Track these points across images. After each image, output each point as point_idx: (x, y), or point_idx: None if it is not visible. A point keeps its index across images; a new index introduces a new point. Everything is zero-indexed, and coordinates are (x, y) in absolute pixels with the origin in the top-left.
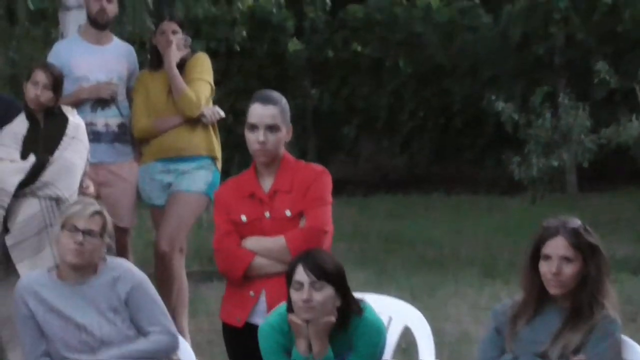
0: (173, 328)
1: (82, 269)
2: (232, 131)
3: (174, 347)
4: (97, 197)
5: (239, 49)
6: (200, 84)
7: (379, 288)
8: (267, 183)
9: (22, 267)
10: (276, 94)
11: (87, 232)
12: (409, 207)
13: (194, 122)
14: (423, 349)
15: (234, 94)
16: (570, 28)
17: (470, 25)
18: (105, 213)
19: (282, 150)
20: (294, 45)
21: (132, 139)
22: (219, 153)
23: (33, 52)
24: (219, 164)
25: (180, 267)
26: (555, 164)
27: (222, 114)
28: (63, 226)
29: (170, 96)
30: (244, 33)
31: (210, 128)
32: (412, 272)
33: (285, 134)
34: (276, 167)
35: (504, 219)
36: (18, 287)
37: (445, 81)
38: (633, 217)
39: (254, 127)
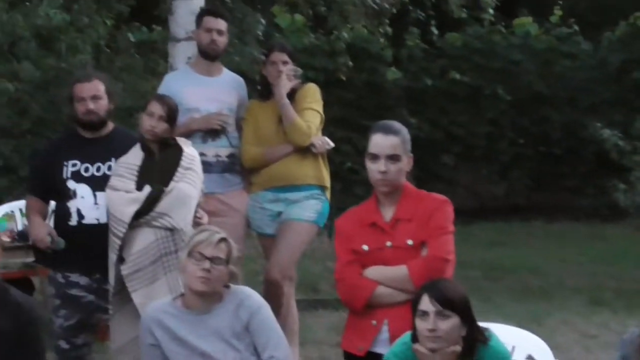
0: (291, 355)
1: (208, 297)
2: (331, 160)
3: None
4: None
5: (343, 78)
6: (311, 114)
7: (485, 317)
8: (388, 212)
9: (137, 297)
10: (397, 124)
11: (213, 260)
12: (509, 236)
13: (304, 151)
14: None
15: (332, 123)
16: None
17: (568, 53)
18: (231, 240)
19: (403, 180)
20: (392, 74)
21: (241, 168)
22: (328, 182)
23: (140, 84)
24: (329, 194)
25: (290, 295)
26: None
27: (332, 144)
28: (190, 254)
29: (280, 126)
30: (350, 62)
31: (320, 157)
32: (518, 301)
33: (406, 163)
34: (397, 197)
35: (607, 247)
36: (144, 316)
37: (544, 109)
38: None
39: (375, 157)
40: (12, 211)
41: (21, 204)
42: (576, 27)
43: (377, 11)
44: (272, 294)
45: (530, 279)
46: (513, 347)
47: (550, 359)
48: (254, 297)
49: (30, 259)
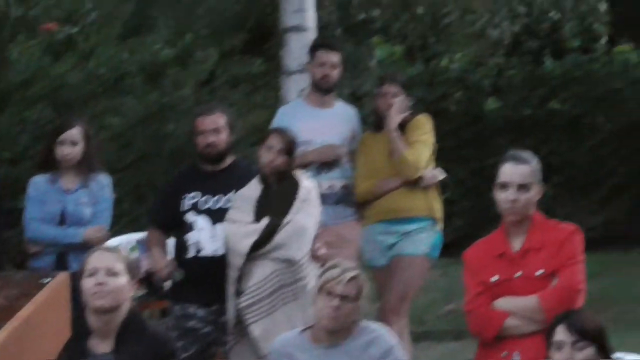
0: None
1: (336, 333)
2: None
3: None
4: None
5: (452, 110)
6: (420, 146)
7: None
8: (517, 242)
9: (255, 329)
10: (528, 154)
11: (343, 297)
12: (610, 266)
13: (414, 183)
14: None
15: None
16: None
17: None
18: (362, 277)
19: (533, 210)
20: (490, 103)
21: (354, 200)
22: (439, 213)
23: (254, 117)
24: (440, 225)
25: (404, 328)
26: None
27: (442, 176)
28: (320, 289)
29: (391, 158)
30: (459, 93)
31: (431, 189)
32: (625, 331)
33: (536, 193)
34: (527, 226)
35: None
36: (273, 349)
37: None
38: None
39: (504, 186)
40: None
41: (127, 237)
42: None
43: (492, 40)
44: (388, 327)
45: (636, 309)
46: None
47: None
48: (387, 336)
49: (141, 292)
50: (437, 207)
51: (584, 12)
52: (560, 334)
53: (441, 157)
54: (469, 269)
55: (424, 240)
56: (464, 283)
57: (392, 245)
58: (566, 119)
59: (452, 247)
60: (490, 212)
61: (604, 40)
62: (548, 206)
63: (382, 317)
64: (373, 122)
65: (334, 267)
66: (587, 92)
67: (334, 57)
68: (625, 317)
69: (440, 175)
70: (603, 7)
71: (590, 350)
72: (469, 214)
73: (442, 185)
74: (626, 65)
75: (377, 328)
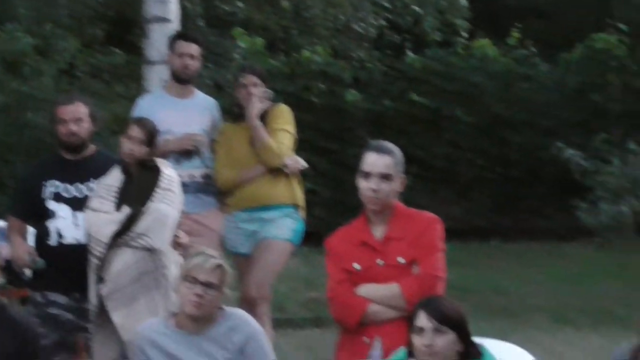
0: None
1: (200, 320)
2: None
3: None
4: (189, 247)
5: (315, 100)
6: (283, 135)
7: None
8: (378, 231)
9: (116, 316)
10: (391, 145)
11: (207, 285)
12: (469, 256)
13: (277, 171)
14: None
15: None
16: (627, 76)
17: (527, 74)
18: (226, 265)
19: (394, 200)
20: (351, 96)
21: (215, 189)
22: (301, 201)
23: (115, 107)
24: (303, 212)
25: (266, 314)
26: (625, 209)
27: (304, 164)
28: (184, 277)
29: (252, 147)
30: (321, 85)
31: (293, 177)
32: (482, 320)
33: (398, 184)
34: (388, 215)
35: (568, 266)
36: (136, 335)
37: (503, 130)
38: None
39: (367, 175)
40: None
41: None
42: (533, 49)
43: (359, 34)
44: (249, 312)
45: (493, 298)
46: None
47: None
48: (250, 322)
49: (0, 280)
50: (299, 194)
51: (444, 7)
52: (422, 320)
53: (302, 149)
54: (331, 257)
55: (286, 225)
56: (326, 270)
57: (255, 232)
58: (426, 111)
59: (313, 237)
60: (351, 202)
61: (463, 34)
62: (407, 196)
63: (244, 303)
64: (234, 112)
65: (197, 254)
66: (446, 85)
67: (193, 48)
68: (484, 305)
69: (302, 162)
70: (463, 2)
71: (450, 336)
72: (330, 204)
73: (303, 176)
74: (485, 60)
75: (240, 314)
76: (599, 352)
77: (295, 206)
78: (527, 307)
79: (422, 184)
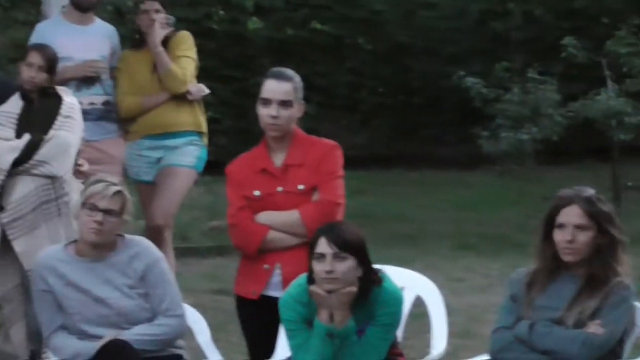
0: (183, 312)
1: (100, 246)
2: None
3: (182, 332)
4: (90, 174)
5: (215, 27)
6: (186, 61)
7: None
8: (278, 158)
9: (17, 245)
10: (290, 72)
11: (107, 212)
12: (371, 184)
13: (180, 98)
14: (435, 317)
15: None
16: (528, 4)
17: (429, 3)
18: (126, 192)
19: (294, 126)
20: (253, 24)
21: (117, 116)
22: (205, 128)
23: (14, 33)
24: (206, 139)
25: (170, 242)
26: (525, 137)
27: (207, 90)
28: (84, 204)
29: (154, 74)
30: (221, 12)
31: (196, 104)
32: (384, 247)
33: (298, 110)
34: (288, 142)
35: (469, 193)
36: (36, 263)
37: (405, 58)
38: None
39: (267, 102)
40: None
41: None
42: None
43: None
44: (156, 240)
45: (395, 226)
46: (403, 288)
47: (438, 298)
48: (151, 249)
49: None
50: (202, 121)
51: None
52: (322, 246)
53: (205, 77)
54: (232, 184)
55: (190, 152)
56: (227, 198)
57: (158, 160)
58: (328, 39)
59: (216, 165)
60: (254, 131)
61: None
62: (311, 125)
63: (149, 231)
64: (135, 38)
65: (97, 181)
66: (349, 13)
67: None
68: (386, 233)
69: (205, 89)
70: None
71: (350, 262)
72: (233, 132)
73: (206, 105)
74: None
75: (141, 241)
76: (499, 278)
77: (199, 133)
78: (428, 234)
79: (325, 112)
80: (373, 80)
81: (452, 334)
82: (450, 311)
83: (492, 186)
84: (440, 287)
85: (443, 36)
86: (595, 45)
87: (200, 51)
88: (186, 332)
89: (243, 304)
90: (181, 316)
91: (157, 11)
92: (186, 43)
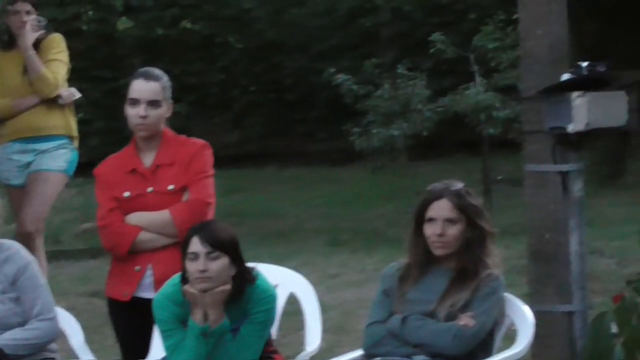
0: (56, 315)
1: None
2: None
3: (55, 335)
4: None
5: (84, 29)
6: (57, 65)
7: None
8: (148, 158)
9: None
10: (158, 71)
11: None
12: (245, 182)
13: (51, 102)
14: (309, 314)
15: None
16: (396, 1)
17: (298, 0)
18: None
19: (163, 126)
20: (122, 24)
21: None
22: (76, 132)
23: None
24: (77, 143)
25: (42, 246)
26: (396, 133)
27: (79, 94)
28: None
29: (25, 76)
30: (90, 12)
31: (67, 107)
32: (258, 245)
33: (166, 110)
34: (157, 142)
35: (342, 190)
36: None
37: (276, 56)
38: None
39: (135, 102)
40: None
41: None
42: None
43: None
44: (27, 245)
45: (269, 223)
46: (277, 285)
47: (312, 295)
48: (22, 253)
49: None
50: (73, 125)
51: None
52: (195, 245)
53: (75, 78)
54: (101, 185)
55: (61, 156)
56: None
57: (28, 164)
58: (198, 38)
59: (87, 167)
60: (125, 131)
61: None
62: (183, 124)
63: (20, 236)
64: (4, 40)
65: None
66: (219, 11)
67: None
68: (260, 230)
69: (76, 93)
70: None
71: (224, 260)
72: (104, 133)
73: (77, 105)
74: None
75: (12, 245)
76: (373, 273)
77: (70, 137)
78: (303, 231)
79: (197, 111)
80: (244, 78)
81: (327, 330)
82: (325, 307)
83: (365, 182)
84: (315, 283)
85: (313, 33)
86: (464, 40)
87: (70, 52)
88: (59, 336)
89: (115, 306)
90: (53, 319)
91: (28, 13)
92: (58, 46)
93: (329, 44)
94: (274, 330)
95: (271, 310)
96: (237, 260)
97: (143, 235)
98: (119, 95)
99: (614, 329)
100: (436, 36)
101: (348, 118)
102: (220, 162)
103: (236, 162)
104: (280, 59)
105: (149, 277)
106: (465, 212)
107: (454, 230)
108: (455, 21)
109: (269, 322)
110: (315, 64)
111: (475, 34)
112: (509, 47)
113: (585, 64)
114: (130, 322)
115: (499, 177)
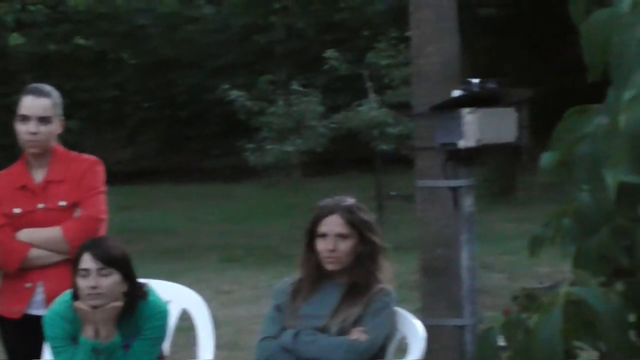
0: None
1: None
2: None
3: None
4: None
5: None
6: None
7: None
8: (38, 174)
9: None
10: (49, 87)
11: None
12: (138, 199)
13: None
14: (201, 329)
15: None
16: (290, 18)
17: (192, 17)
18: None
19: (54, 142)
20: (14, 39)
21: None
22: None
23: None
24: None
25: None
26: (290, 149)
27: None
28: None
29: None
30: None
31: None
32: (152, 262)
33: (57, 126)
34: (48, 159)
35: (235, 206)
36: None
37: (170, 72)
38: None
39: (25, 119)
40: None
41: None
42: None
43: None
44: None
45: (163, 240)
46: (169, 301)
47: (204, 311)
48: None
49: None
50: None
51: None
52: (86, 261)
53: None
54: None
55: None
56: None
57: None
58: (91, 54)
59: None
60: (18, 147)
61: None
62: (75, 140)
63: None
64: None
65: None
66: (112, 27)
67: None
68: (154, 247)
69: None
70: None
71: (115, 277)
72: None
73: None
74: (150, 1)
75: None
76: (266, 290)
77: None
78: (196, 248)
79: (90, 127)
80: (138, 94)
81: (220, 346)
82: (218, 324)
83: (259, 198)
84: (208, 300)
85: (207, 50)
86: (357, 57)
87: None
88: None
89: (6, 323)
90: None
91: None
92: None
93: (223, 60)
94: (166, 347)
95: (163, 326)
96: (129, 276)
97: (34, 252)
98: (11, 112)
99: (502, 342)
100: (330, 53)
101: (242, 134)
102: (114, 178)
103: (130, 178)
104: (174, 76)
105: (40, 294)
106: (357, 227)
107: (345, 246)
108: (349, 38)
109: (160, 338)
110: (210, 81)
111: (368, 51)
112: (402, 64)
113: (476, 81)
114: (22, 340)
115: (392, 193)
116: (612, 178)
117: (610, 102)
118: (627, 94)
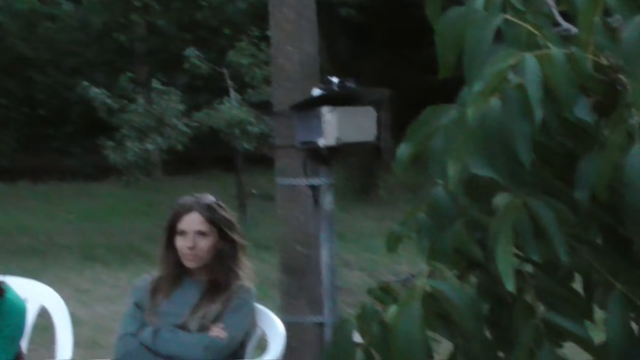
0: None
1: None
2: None
3: None
4: None
5: None
6: None
7: None
8: None
9: None
10: None
11: None
12: None
13: None
14: (60, 327)
15: None
16: (151, 16)
17: (51, 14)
18: None
19: None
20: None
21: None
22: None
23: None
24: None
25: None
26: (150, 147)
27: None
28: None
29: None
30: None
31: None
32: (10, 260)
33: None
34: None
35: (95, 205)
36: None
37: (28, 71)
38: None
39: None
40: None
41: None
42: None
43: None
44: None
45: (21, 239)
46: (26, 299)
47: (63, 309)
48: None
49: None
50: None
51: None
52: None
53: None
54: None
55: None
56: None
57: None
58: None
59: None
60: None
61: None
62: None
63: None
64: None
65: None
66: None
67: None
68: (12, 246)
69: None
70: None
71: None
72: None
73: None
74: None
75: None
76: (126, 288)
77: None
78: (55, 247)
79: None
80: None
81: (79, 345)
82: (77, 322)
83: (120, 197)
84: (68, 298)
85: (66, 48)
86: (218, 56)
87: None
88: None
89: None
90: None
91: None
92: None
93: (82, 58)
94: (24, 344)
95: (20, 324)
96: None
97: None
98: None
99: (358, 337)
100: (190, 51)
101: (102, 133)
102: None
103: None
104: (32, 74)
105: None
106: (217, 225)
107: (205, 243)
108: (210, 37)
109: (17, 336)
110: (69, 79)
111: (229, 50)
112: (263, 63)
113: (335, 80)
114: None
115: (254, 192)
116: (453, 170)
117: (463, 96)
118: (476, 87)
